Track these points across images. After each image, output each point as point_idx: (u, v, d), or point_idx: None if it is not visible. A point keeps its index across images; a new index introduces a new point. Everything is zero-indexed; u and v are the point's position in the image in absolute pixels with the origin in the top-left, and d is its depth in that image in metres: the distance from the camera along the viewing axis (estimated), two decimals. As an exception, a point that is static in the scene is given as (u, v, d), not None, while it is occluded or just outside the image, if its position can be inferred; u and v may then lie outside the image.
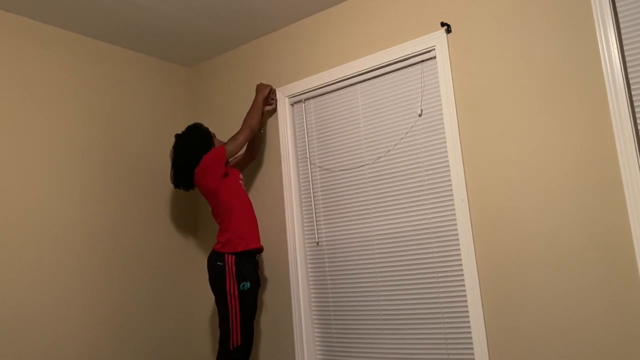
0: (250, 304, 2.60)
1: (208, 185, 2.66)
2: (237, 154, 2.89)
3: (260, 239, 2.76)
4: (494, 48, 2.32)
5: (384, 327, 2.58)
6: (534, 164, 2.19)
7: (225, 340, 2.55)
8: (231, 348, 2.51)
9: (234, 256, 2.59)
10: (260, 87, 2.92)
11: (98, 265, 2.80)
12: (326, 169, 2.86)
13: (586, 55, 2.09)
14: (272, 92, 2.96)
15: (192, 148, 2.73)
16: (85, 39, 2.95)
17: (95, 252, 2.79)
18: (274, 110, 3.02)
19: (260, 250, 2.74)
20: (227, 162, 2.71)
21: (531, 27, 2.23)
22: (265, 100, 2.93)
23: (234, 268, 2.58)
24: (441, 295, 2.42)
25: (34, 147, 2.62)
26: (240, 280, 2.57)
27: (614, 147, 2.00)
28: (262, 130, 3.03)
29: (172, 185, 3.30)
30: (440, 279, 2.43)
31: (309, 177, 2.92)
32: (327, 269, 2.81)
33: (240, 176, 2.82)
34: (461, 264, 2.35)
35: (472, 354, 2.30)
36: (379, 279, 2.61)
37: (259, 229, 2.79)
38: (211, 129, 3.32)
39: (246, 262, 2.63)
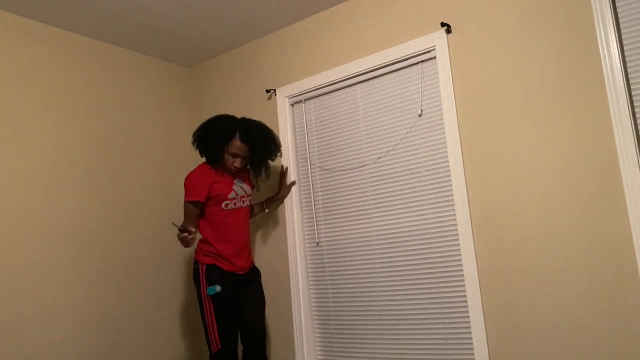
0: (225, 307, 2.47)
1: None
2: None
3: (257, 248, 2.64)
4: (494, 48, 2.32)
5: (384, 327, 2.58)
6: (534, 163, 2.19)
7: (208, 345, 2.48)
8: (213, 352, 2.45)
9: (205, 265, 2.51)
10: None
11: (96, 266, 2.80)
12: (326, 169, 2.86)
13: (586, 55, 2.09)
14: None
15: (199, 137, 2.63)
16: (86, 39, 2.96)
17: (93, 253, 2.79)
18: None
19: (234, 274, 2.54)
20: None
21: (531, 27, 2.23)
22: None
23: (203, 270, 2.50)
24: (441, 295, 2.42)
25: (34, 148, 2.62)
26: (208, 283, 2.47)
27: (614, 147, 2.00)
28: (266, 210, 2.94)
29: (171, 186, 3.30)
30: (441, 279, 2.43)
31: (309, 177, 2.92)
32: (327, 269, 2.81)
33: (231, 195, 2.57)
34: (461, 264, 2.35)
35: (472, 354, 2.30)
36: (379, 279, 2.61)
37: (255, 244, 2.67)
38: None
39: (218, 273, 2.50)
